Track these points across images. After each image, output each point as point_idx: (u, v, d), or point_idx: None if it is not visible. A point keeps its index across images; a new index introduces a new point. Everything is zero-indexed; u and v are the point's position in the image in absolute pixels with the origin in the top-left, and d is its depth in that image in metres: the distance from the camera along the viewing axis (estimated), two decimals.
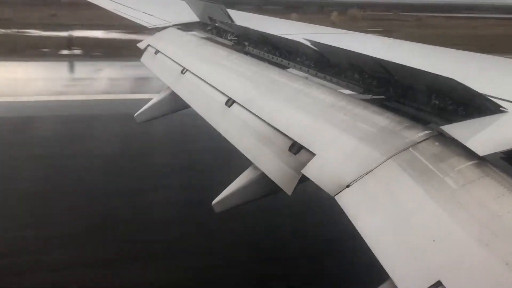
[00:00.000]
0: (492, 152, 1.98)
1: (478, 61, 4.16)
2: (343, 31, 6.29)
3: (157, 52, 6.51)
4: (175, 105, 5.66)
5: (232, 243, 7.55)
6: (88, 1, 13.47)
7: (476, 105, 2.42)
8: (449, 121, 2.50)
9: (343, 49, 3.40)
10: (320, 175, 2.48)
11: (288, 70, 4.46)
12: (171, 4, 11.19)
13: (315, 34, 5.51)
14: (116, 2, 11.75)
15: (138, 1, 11.70)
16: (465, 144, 2.03)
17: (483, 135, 2.12)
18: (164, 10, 9.51)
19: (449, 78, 2.26)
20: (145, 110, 6.14)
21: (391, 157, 2.21)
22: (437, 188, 1.90)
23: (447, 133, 2.19)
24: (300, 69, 4.28)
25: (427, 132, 2.31)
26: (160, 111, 6.12)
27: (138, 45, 7.27)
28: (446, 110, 2.64)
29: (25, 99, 16.13)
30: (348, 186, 2.22)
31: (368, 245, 1.87)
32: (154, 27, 7.70)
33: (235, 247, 7.47)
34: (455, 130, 2.19)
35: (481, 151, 1.96)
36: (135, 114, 6.16)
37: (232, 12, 5.92)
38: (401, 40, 5.27)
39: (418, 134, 2.31)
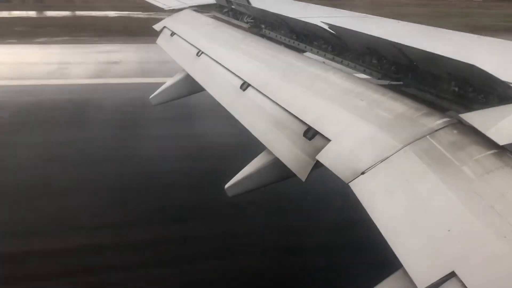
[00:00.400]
0: None
1: (500, 46, 4.04)
2: (362, 14, 6.17)
3: (172, 34, 6.48)
4: (190, 87, 5.66)
5: None
6: None
7: (497, 93, 2.35)
8: (469, 109, 2.44)
9: (362, 33, 3.33)
10: (334, 162, 2.45)
11: (305, 54, 4.40)
12: None
13: (333, 18, 5.41)
14: None
15: None
16: (484, 133, 1.97)
17: (503, 124, 2.06)
18: None
19: (470, 64, 2.19)
20: (160, 93, 6.16)
21: (407, 144, 2.17)
22: (454, 177, 1.86)
23: (466, 121, 2.13)
24: (317, 53, 4.22)
25: (445, 119, 2.26)
26: (175, 94, 6.13)
27: (154, 27, 7.25)
28: (466, 97, 2.57)
29: None
30: (363, 173, 2.19)
31: (382, 233, 1.85)
32: (171, 8, 7.67)
33: None
34: (474, 118, 2.13)
35: (501, 140, 1.90)
36: (150, 96, 6.18)
37: None
38: (421, 25, 5.14)
39: (436, 121, 2.26)
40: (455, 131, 2.14)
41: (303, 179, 2.70)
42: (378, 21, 5.80)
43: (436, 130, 2.18)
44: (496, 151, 1.90)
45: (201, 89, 4.90)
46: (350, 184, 2.20)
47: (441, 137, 2.13)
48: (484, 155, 1.91)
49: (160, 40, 6.78)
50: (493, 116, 2.16)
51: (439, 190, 1.86)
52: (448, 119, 2.27)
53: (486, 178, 1.79)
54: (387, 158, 2.17)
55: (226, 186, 3.44)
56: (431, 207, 1.84)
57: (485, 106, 2.35)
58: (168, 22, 7.12)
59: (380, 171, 2.14)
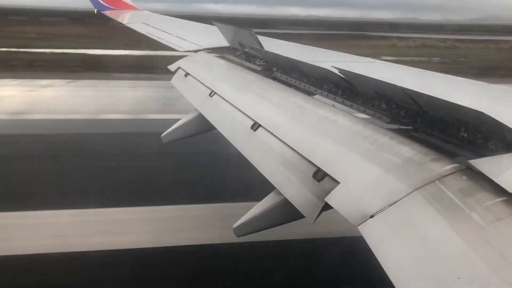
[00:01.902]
0: None
1: (509, 94, 4.07)
2: (372, 59, 6.29)
3: (187, 74, 6.64)
4: (202, 127, 5.73)
5: None
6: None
7: (506, 140, 2.36)
8: (478, 155, 2.44)
9: (371, 78, 3.40)
10: (343, 204, 2.45)
11: (315, 96, 4.47)
12: (202, 29, 11.49)
13: (343, 62, 5.52)
14: (150, 26, 12.16)
15: (171, 26, 12.07)
16: (494, 179, 1.97)
17: None
18: (196, 35, 9.77)
19: (478, 111, 2.22)
20: (172, 131, 6.25)
21: (416, 189, 2.17)
22: (463, 224, 1.84)
23: (475, 168, 2.13)
24: (327, 96, 4.28)
25: (454, 165, 2.26)
26: (187, 132, 6.21)
27: (169, 67, 7.44)
28: (475, 143, 2.58)
29: None
30: (371, 216, 2.18)
31: (390, 278, 1.82)
32: (186, 50, 7.89)
33: None
34: (484, 164, 2.13)
35: (510, 187, 1.89)
36: (162, 135, 6.26)
37: (261, 38, 6.02)
38: (429, 71, 5.22)
39: (445, 167, 2.26)
40: (464, 177, 2.14)
41: (312, 221, 2.69)
42: (387, 66, 5.91)
43: (445, 176, 2.19)
44: (506, 198, 1.90)
45: (213, 128, 4.96)
46: (359, 227, 2.19)
47: (450, 183, 2.13)
48: (494, 202, 1.90)
49: (174, 80, 6.94)
50: (502, 163, 2.16)
51: (449, 236, 1.84)
52: (457, 165, 2.27)
53: (496, 225, 1.77)
54: (396, 202, 2.17)
55: (234, 226, 3.43)
56: (441, 254, 1.82)
57: (494, 153, 2.35)
58: (182, 63, 7.31)
59: (389, 215, 2.13)
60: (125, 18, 16.18)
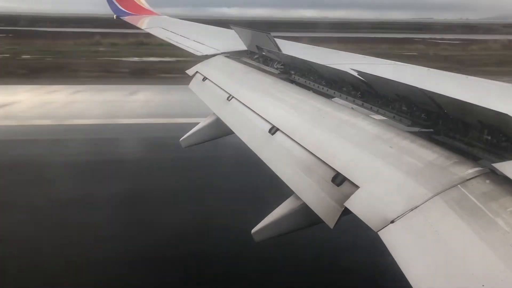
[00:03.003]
0: None
1: None
2: (391, 61, 6.21)
3: (204, 78, 6.68)
4: (220, 131, 5.75)
5: None
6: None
7: None
8: (502, 158, 2.38)
9: (391, 80, 3.35)
10: (363, 209, 2.41)
11: (334, 99, 4.43)
12: (220, 33, 11.56)
13: (362, 64, 5.47)
14: (169, 31, 12.28)
15: (189, 30, 12.18)
16: None
17: None
18: (214, 39, 9.83)
19: (503, 113, 2.16)
20: (190, 135, 6.28)
21: (438, 193, 2.12)
22: (487, 229, 1.79)
23: (499, 171, 2.08)
24: (346, 99, 4.24)
25: (477, 169, 2.21)
26: (205, 137, 6.23)
27: (187, 71, 7.49)
28: (498, 146, 2.52)
29: None
30: (392, 222, 2.14)
31: (412, 285, 1.78)
32: (203, 55, 7.93)
33: None
34: (508, 168, 2.07)
35: None
36: (181, 139, 6.30)
37: (279, 41, 6.01)
38: (450, 72, 5.13)
39: (468, 170, 2.21)
40: (487, 181, 2.09)
41: (332, 226, 2.66)
42: (407, 68, 5.82)
43: (468, 180, 2.13)
44: None
45: (231, 132, 4.97)
46: (379, 233, 2.15)
47: (473, 187, 2.07)
48: None
49: (192, 84, 6.98)
50: None
51: (472, 242, 1.79)
52: (481, 168, 2.22)
53: None
54: (417, 207, 2.13)
55: (253, 230, 3.42)
56: (464, 261, 1.77)
57: None
58: (200, 67, 7.35)
59: (410, 221, 2.09)
60: (144, 23, 16.40)
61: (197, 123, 6.36)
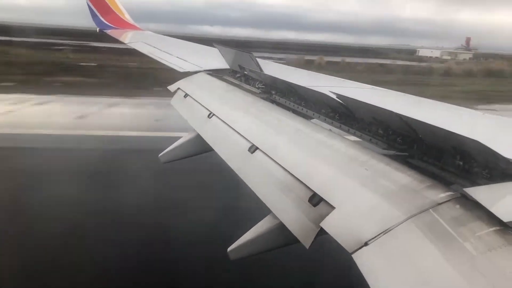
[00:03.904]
0: None
1: (504, 123, 4.11)
2: (369, 86, 6.35)
3: (186, 95, 6.68)
4: (200, 147, 5.73)
5: None
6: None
7: (501, 169, 2.38)
8: (473, 183, 2.45)
9: (369, 104, 3.43)
10: (338, 230, 2.44)
11: (312, 120, 4.50)
12: (203, 51, 11.62)
13: (341, 88, 5.58)
14: (152, 46, 12.29)
15: (172, 47, 12.21)
16: (488, 208, 1.98)
17: (507, 201, 2.07)
18: (196, 56, 9.87)
19: (473, 140, 2.24)
20: (169, 151, 6.24)
21: (411, 217, 2.17)
22: (456, 254, 1.84)
23: (470, 196, 2.14)
24: (325, 121, 4.31)
25: (449, 193, 2.27)
26: (185, 153, 6.20)
27: (169, 87, 7.48)
28: (470, 172, 2.60)
29: None
30: (366, 244, 2.18)
31: None
32: (186, 71, 7.95)
33: None
34: (478, 193, 2.14)
35: (505, 217, 1.90)
36: (160, 155, 6.25)
37: (261, 61, 6.09)
38: (425, 98, 5.27)
39: (440, 195, 2.27)
40: (458, 206, 2.15)
41: (307, 246, 2.68)
42: (385, 93, 5.96)
43: (440, 204, 2.19)
44: (499, 228, 1.90)
45: (210, 149, 4.97)
46: (353, 255, 2.18)
47: (444, 211, 2.13)
48: (487, 231, 1.90)
49: (174, 100, 6.97)
50: (497, 192, 2.17)
51: (441, 267, 1.83)
52: (452, 193, 2.28)
53: (488, 256, 1.77)
54: (391, 230, 2.17)
55: (229, 249, 3.40)
56: (434, 284, 1.81)
57: (489, 182, 2.36)
58: (182, 84, 7.35)
59: (384, 244, 2.13)
60: (127, 38, 16.35)
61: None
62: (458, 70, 59.40)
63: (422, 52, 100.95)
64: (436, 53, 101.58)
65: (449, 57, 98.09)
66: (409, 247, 2.04)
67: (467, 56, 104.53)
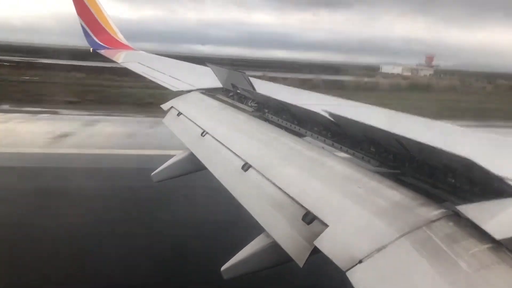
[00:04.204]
0: (510, 236, 1.93)
1: (495, 141, 4.16)
2: (362, 104, 6.42)
3: (179, 114, 6.70)
4: (193, 166, 5.72)
5: None
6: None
7: (493, 187, 2.40)
8: (465, 200, 2.47)
9: (361, 122, 3.46)
10: (332, 248, 2.43)
11: (305, 138, 4.52)
12: (196, 70, 11.71)
13: (334, 106, 5.63)
14: (145, 66, 12.36)
15: (165, 66, 12.29)
16: (481, 226, 1.99)
17: (500, 218, 2.08)
18: (189, 75, 9.94)
19: (465, 157, 2.26)
20: (162, 170, 6.22)
21: (404, 234, 2.17)
22: (450, 271, 1.84)
23: (462, 213, 2.15)
24: (317, 138, 4.34)
25: (442, 211, 2.28)
26: (178, 172, 6.18)
27: (162, 106, 7.51)
28: (462, 189, 2.62)
29: None
30: (360, 262, 2.17)
31: None
32: (179, 90, 7.99)
33: None
34: (471, 210, 2.15)
35: (497, 234, 1.91)
36: (152, 173, 6.23)
37: (253, 80, 6.14)
38: (417, 116, 5.34)
39: (433, 212, 2.28)
40: (451, 223, 2.16)
41: (301, 265, 2.66)
42: (377, 111, 6.03)
43: (433, 221, 2.20)
44: (492, 245, 1.91)
45: (204, 167, 4.96)
46: (347, 273, 2.17)
47: (437, 229, 2.14)
48: (481, 249, 1.91)
49: (166, 119, 6.99)
50: (490, 209, 2.19)
51: (436, 284, 1.83)
52: (445, 210, 2.29)
53: (482, 273, 1.78)
54: (384, 247, 2.17)
55: (222, 268, 3.37)
56: None
57: (481, 199, 2.38)
58: (175, 102, 7.38)
59: (378, 261, 2.13)
60: (120, 57, 16.45)
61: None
62: (385, 85, 61.34)
63: (385, 69, 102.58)
64: (397, 69, 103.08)
65: (409, 73, 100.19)
66: (403, 265, 2.04)
67: (428, 72, 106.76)
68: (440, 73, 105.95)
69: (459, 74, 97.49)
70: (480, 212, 2.13)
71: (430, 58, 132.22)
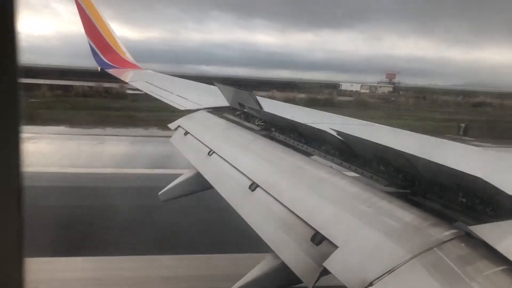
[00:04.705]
0: None
1: (506, 160, 4.13)
2: (369, 123, 6.41)
3: (186, 133, 6.72)
4: (200, 185, 5.71)
5: None
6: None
7: (505, 207, 2.36)
8: (477, 220, 2.43)
9: (369, 141, 3.45)
10: (342, 270, 2.40)
11: (313, 157, 4.51)
12: (203, 89, 11.79)
13: (341, 125, 5.62)
14: (153, 85, 12.48)
15: (173, 85, 12.39)
16: (494, 247, 1.95)
17: None
18: (196, 94, 10.00)
19: (476, 177, 2.24)
20: (169, 189, 6.22)
21: (415, 256, 2.14)
22: None
23: (475, 234, 2.12)
24: (325, 157, 4.32)
25: (453, 231, 2.25)
26: (184, 191, 6.18)
27: (169, 125, 7.54)
28: (473, 209, 2.58)
29: None
30: (371, 284, 2.13)
31: None
32: (186, 109, 8.04)
33: None
34: (483, 231, 2.12)
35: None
36: (159, 193, 6.23)
37: (260, 99, 6.17)
38: (426, 135, 5.32)
39: (444, 233, 2.24)
40: (463, 244, 2.12)
41: (310, 286, 2.62)
42: (385, 130, 6.01)
43: (444, 242, 2.16)
44: (506, 267, 1.87)
45: (210, 187, 4.95)
46: None
47: (449, 250, 2.10)
48: (494, 271, 1.87)
49: (174, 138, 7.01)
50: (503, 230, 2.15)
51: None
52: (456, 230, 2.26)
53: None
54: (395, 269, 2.13)
55: None
56: None
57: (493, 219, 2.34)
58: (182, 121, 7.42)
59: (389, 284, 2.09)
60: (128, 77, 16.64)
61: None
62: (334, 101, 63.45)
63: (344, 86, 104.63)
64: (356, 87, 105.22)
65: (367, 91, 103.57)
66: (415, 287, 2.00)
67: (386, 89, 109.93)
68: (400, 90, 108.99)
69: (420, 92, 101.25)
70: (493, 233, 2.10)
71: (391, 76, 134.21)
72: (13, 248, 0.93)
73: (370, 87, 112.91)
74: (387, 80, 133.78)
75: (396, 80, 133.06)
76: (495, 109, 68.40)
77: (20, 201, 0.91)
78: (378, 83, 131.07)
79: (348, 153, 4.02)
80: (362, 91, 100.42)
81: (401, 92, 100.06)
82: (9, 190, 0.89)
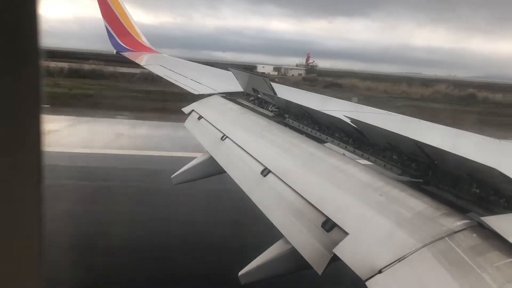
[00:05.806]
0: None
1: None
2: (383, 111, 6.35)
3: (200, 117, 6.75)
4: (212, 169, 5.75)
5: None
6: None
7: None
8: (490, 211, 2.41)
9: (383, 129, 3.42)
10: (352, 257, 2.40)
11: (326, 144, 4.49)
12: (217, 74, 11.79)
13: (355, 112, 5.58)
14: (167, 69, 12.50)
15: (187, 70, 12.41)
16: (506, 238, 1.94)
17: None
18: (211, 79, 10.01)
19: (491, 167, 2.21)
20: (182, 173, 6.27)
21: (426, 245, 2.13)
22: (474, 284, 1.80)
23: (487, 225, 2.10)
24: (338, 145, 4.31)
25: (465, 221, 2.23)
26: (197, 175, 6.22)
27: (183, 109, 7.57)
28: (487, 200, 2.55)
29: None
30: (380, 271, 2.14)
31: None
32: (200, 94, 8.05)
33: None
34: (496, 222, 2.10)
35: None
36: (172, 176, 6.28)
37: (274, 85, 6.14)
38: (440, 125, 5.25)
39: (456, 223, 2.23)
40: (475, 234, 2.11)
41: (320, 272, 2.64)
42: (399, 118, 5.95)
43: (456, 232, 2.15)
44: None
45: (223, 171, 4.97)
46: (366, 282, 2.14)
47: (460, 240, 2.09)
48: (506, 262, 1.86)
49: (187, 122, 7.04)
50: None
51: None
52: (469, 221, 2.24)
53: (507, 287, 1.72)
54: (405, 257, 2.13)
55: (240, 273, 3.37)
56: None
57: (506, 211, 2.32)
58: (196, 106, 7.44)
59: (398, 272, 2.09)
60: (143, 60, 16.68)
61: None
62: None
63: (259, 69, 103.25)
64: (268, 69, 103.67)
65: (276, 73, 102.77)
66: (425, 276, 2.00)
67: (297, 72, 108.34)
68: (313, 72, 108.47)
69: (328, 74, 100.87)
70: (506, 224, 2.08)
71: (307, 58, 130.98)
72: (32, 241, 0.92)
73: (280, 69, 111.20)
74: (304, 62, 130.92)
75: (311, 62, 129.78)
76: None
77: (40, 192, 0.90)
78: (296, 65, 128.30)
79: (362, 141, 4.00)
80: (271, 73, 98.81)
81: (313, 75, 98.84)
82: (31, 176, 0.88)
